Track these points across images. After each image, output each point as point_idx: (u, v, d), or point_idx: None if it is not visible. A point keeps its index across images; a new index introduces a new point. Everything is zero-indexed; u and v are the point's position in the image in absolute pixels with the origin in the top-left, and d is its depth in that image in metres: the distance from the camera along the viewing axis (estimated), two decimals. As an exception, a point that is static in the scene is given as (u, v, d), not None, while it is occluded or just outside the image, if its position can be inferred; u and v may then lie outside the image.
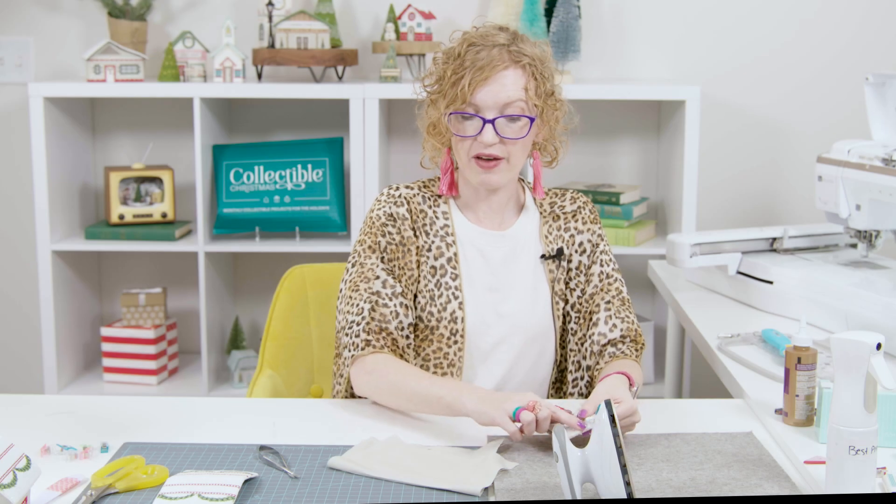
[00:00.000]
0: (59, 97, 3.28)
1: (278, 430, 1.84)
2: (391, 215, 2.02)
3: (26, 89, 3.26)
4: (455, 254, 2.02)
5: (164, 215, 3.40)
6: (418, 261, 2.02)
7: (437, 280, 2.01)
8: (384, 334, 1.94)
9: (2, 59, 3.52)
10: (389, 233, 2.01)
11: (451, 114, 1.95)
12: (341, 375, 2.00)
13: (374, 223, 2.02)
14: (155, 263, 3.60)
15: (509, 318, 2.03)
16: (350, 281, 2.01)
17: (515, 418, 1.70)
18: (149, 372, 3.41)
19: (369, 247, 2.01)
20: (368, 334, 1.94)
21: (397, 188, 2.06)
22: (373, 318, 1.94)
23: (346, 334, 1.96)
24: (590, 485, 1.53)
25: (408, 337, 1.98)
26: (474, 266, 2.03)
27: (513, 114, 1.93)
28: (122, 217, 3.37)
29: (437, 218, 2.04)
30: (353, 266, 2.02)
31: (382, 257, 2.00)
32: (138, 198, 3.40)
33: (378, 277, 1.98)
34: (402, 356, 1.97)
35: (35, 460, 1.50)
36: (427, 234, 2.03)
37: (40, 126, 3.21)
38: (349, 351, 1.95)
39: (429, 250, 2.02)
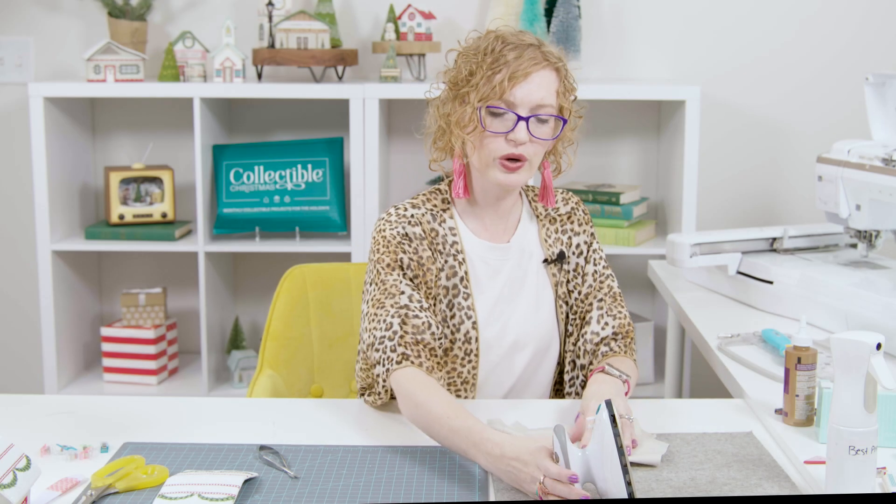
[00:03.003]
0: (59, 97, 3.28)
1: (278, 430, 1.84)
2: (406, 235, 1.97)
3: (26, 89, 3.26)
4: (466, 272, 2.00)
5: (164, 215, 3.39)
6: (435, 280, 1.99)
7: (450, 300, 1.98)
8: (421, 346, 1.88)
9: (2, 59, 3.52)
10: (406, 251, 1.96)
11: (486, 107, 1.90)
12: (384, 388, 1.90)
13: (389, 242, 1.96)
14: (155, 263, 3.60)
15: (519, 328, 2.02)
16: (373, 299, 1.94)
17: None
18: (149, 372, 3.41)
19: (388, 265, 1.95)
20: (405, 347, 1.87)
21: (406, 209, 2.01)
22: (406, 332, 1.88)
23: (377, 350, 1.90)
24: (590, 485, 1.53)
25: (442, 344, 1.95)
26: (484, 282, 2.01)
27: (544, 115, 1.91)
28: (122, 217, 3.37)
29: (446, 235, 2.01)
30: (371, 284, 1.96)
31: (405, 273, 1.95)
32: (138, 198, 3.40)
33: (403, 293, 1.92)
34: (438, 363, 1.91)
35: (35, 460, 1.50)
36: (441, 253, 2.00)
37: (40, 126, 3.21)
38: (382, 365, 1.88)
39: (441, 270, 1.99)
